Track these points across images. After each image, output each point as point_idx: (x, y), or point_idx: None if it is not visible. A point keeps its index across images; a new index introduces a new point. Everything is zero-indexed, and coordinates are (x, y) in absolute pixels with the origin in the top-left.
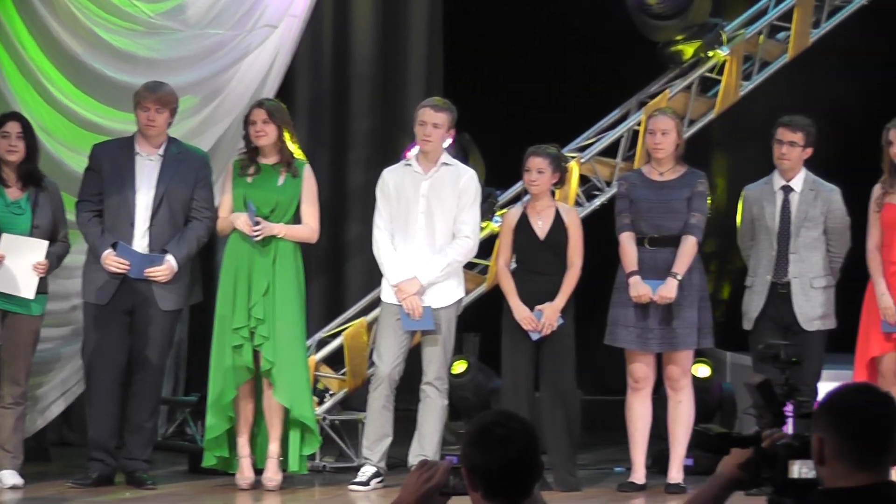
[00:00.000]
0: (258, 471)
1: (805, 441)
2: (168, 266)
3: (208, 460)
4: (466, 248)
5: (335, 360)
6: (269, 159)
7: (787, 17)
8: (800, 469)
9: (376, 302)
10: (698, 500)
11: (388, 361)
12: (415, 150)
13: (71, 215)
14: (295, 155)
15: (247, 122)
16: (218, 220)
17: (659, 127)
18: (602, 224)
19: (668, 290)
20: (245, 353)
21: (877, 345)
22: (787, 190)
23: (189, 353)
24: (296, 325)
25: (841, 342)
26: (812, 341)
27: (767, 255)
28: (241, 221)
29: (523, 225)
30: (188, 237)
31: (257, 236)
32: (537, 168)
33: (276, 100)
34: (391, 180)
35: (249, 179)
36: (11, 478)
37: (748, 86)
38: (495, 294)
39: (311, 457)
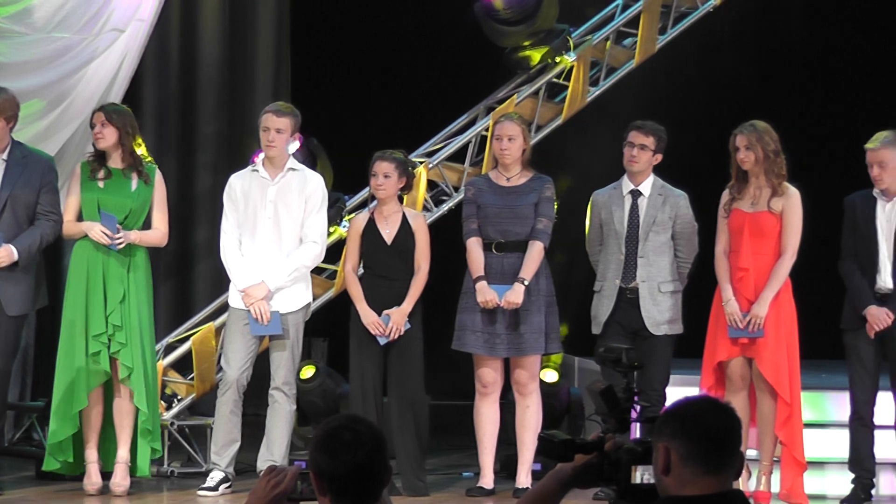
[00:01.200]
0: (106, 475)
1: (649, 447)
2: (6, 251)
3: (50, 464)
4: (314, 253)
5: (183, 365)
6: (116, 163)
7: (633, 23)
8: (643, 475)
9: (224, 307)
10: (536, 496)
11: (235, 367)
12: (262, 156)
13: None
14: (144, 159)
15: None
16: (64, 223)
17: (505, 133)
18: (450, 229)
19: (515, 295)
20: (102, 360)
21: (724, 350)
22: (635, 194)
23: (36, 357)
24: (147, 330)
25: (689, 347)
26: (659, 346)
27: (616, 259)
28: (97, 232)
29: (370, 230)
30: (32, 232)
31: (119, 246)
32: (384, 173)
33: (119, 104)
34: (238, 186)
35: (101, 184)
36: None
37: (595, 91)
38: (343, 299)
39: (160, 462)
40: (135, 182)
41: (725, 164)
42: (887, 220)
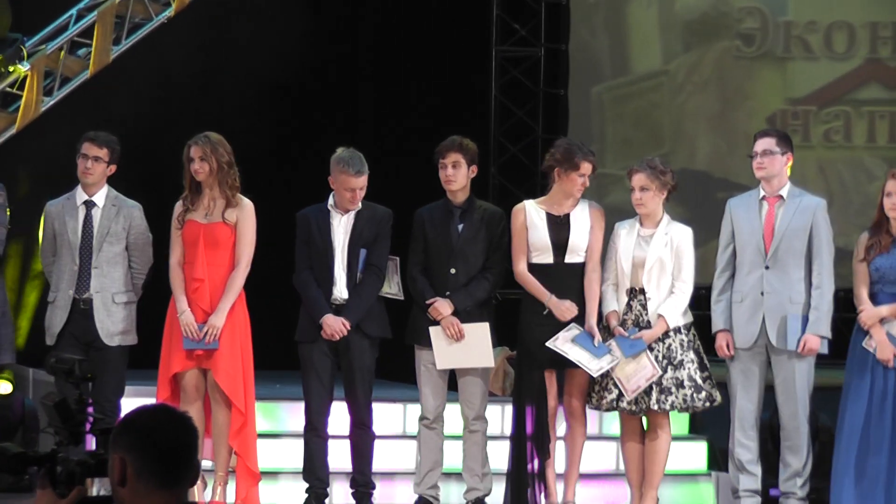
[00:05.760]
0: None
1: (102, 459)
2: None
3: None
4: None
5: None
6: None
7: (88, 33)
8: (98, 488)
9: None
10: None
11: None
12: None
13: None
14: None
15: None
16: None
17: None
18: None
19: None
20: None
21: (179, 361)
22: (89, 205)
23: None
24: None
25: (144, 358)
26: (113, 357)
27: (69, 270)
28: None
29: None
30: None
31: None
32: None
33: None
34: None
35: None
36: None
37: (50, 101)
38: None
39: None
40: None
41: (180, 174)
42: (345, 232)
